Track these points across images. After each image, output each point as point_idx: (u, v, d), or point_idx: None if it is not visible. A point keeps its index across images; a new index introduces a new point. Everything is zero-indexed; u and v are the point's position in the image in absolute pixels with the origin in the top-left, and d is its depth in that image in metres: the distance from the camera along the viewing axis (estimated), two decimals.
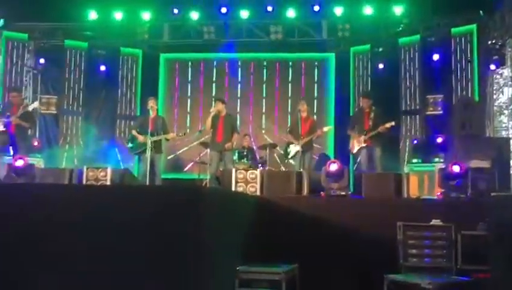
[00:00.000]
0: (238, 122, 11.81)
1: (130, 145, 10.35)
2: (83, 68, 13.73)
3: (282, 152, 11.34)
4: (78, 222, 4.18)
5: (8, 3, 12.23)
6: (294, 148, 10.28)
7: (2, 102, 12.23)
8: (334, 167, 7.65)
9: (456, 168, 7.48)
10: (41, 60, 13.74)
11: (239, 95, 14.21)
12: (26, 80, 13.61)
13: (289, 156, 10.53)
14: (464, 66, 11.87)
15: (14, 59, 13.25)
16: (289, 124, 11.64)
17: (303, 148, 9.96)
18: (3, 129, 9.61)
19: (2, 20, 12.77)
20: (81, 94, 13.70)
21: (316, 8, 12.94)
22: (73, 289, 4.08)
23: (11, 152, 9.93)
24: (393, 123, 9.69)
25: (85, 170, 8.57)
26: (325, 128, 10.58)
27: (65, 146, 13.24)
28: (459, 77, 11.91)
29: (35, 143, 11.94)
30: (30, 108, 9.82)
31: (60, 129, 13.47)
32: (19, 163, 8.20)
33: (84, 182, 8.40)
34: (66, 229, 4.17)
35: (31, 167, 8.64)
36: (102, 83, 13.97)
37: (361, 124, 9.96)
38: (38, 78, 13.90)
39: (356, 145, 9.91)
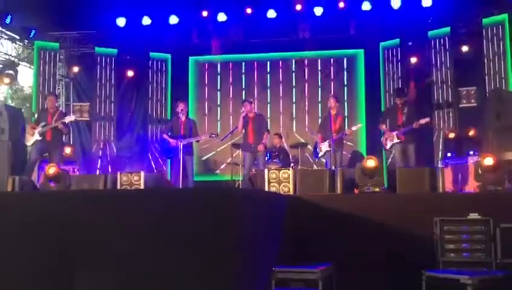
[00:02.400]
0: (268, 121, 11.81)
1: (162, 149, 10.44)
2: (113, 74, 13.92)
3: (313, 150, 11.31)
4: (114, 227, 4.23)
5: (38, 14, 12.48)
6: (324, 147, 10.23)
7: (37, 110, 12.45)
8: (371, 163, 7.57)
9: (491, 161, 7.36)
10: (74, 68, 13.97)
11: (269, 95, 14.21)
12: (58, 89, 13.86)
13: (319, 155, 10.49)
14: (496, 57, 11.68)
15: (47, 68, 13.49)
16: (319, 122, 11.59)
17: (334, 146, 9.92)
18: (40, 138, 9.78)
19: (33, 31, 13.01)
20: (112, 100, 13.89)
21: (342, 4, 12.83)
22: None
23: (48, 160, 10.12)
24: (428, 119, 9.61)
25: (119, 175, 8.66)
26: (354, 127, 10.51)
27: (98, 152, 13.43)
28: (491, 68, 11.72)
29: (69, 150, 12.14)
30: (67, 120, 9.96)
31: (93, 136, 13.66)
32: (52, 170, 8.32)
33: (118, 187, 8.49)
34: (104, 234, 4.23)
35: (65, 174, 8.77)
36: (132, 88, 14.14)
37: (394, 120, 9.87)
38: (71, 86, 14.16)
39: (389, 141, 9.82)
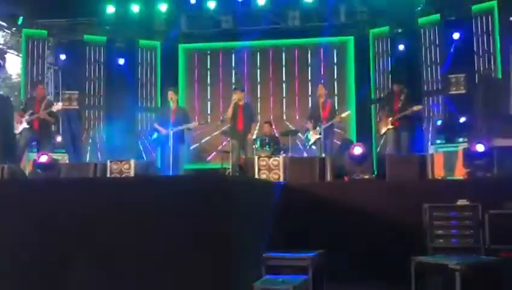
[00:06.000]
0: (256, 110, 11.81)
1: (152, 137, 10.41)
2: (102, 62, 13.84)
3: (303, 138, 11.30)
4: (104, 214, 4.23)
5: (26, 1, 12.35)
6: (314, 135, 10.23)
7: (25, 99, 12.36)
8: (358, 150, 7.60)
9: (480, 148, 7.40)
10: (62, 56, 13.86)
11: (259, 83, 14.19)
12: (47, 77, 13.75)
13: (310, 143, 10.48)
14: (485, 44, 11.70)
15: (35, 56, 13.38)
16: (309, 110, 11.55)
17: (324, 133, 9.92)
18: (28, 126, 9.72)
19: (21, 18, 12.88)
20: (101, 88, 13.82)
21: None
22: (104, 280, 4.14)
23: (36, 148, 10.07)
24: (420, 107, 9.74)
25: (108, 163, 8.63)
26: (343, 114, 10.50)
27: (88, 140, 13.37)
28: (481, 55, 11.75)
29: (59, 139, 12.07)
30: (54, 109, 9.88)
31: (83, 124, 13.59)
32: (43, 159, 8.28)
33: (108, 175, 8.47)
34: (95, 221, 4.23)
35: (56, 163, 8.73)
36: (122, 76, 14.04)
37: (391, 106, 9.94)
38: (59, 74, 14.05)
39: (384, 126, 9.88)
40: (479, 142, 7.48)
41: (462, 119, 10.52)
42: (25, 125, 9.70)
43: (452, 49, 12.25)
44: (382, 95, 12.93)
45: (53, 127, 10.76)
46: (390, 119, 9.79)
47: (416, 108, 9.60)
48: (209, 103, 14.26)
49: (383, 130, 9.96)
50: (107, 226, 4.21)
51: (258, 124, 12.14)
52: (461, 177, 7.75)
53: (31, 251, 4.28)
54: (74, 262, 4.18)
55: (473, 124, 10.23)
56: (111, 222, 4.22)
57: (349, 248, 6.34)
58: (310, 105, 12.42)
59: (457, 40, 12.19)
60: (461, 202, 6.15)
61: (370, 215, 6.54)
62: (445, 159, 9.15)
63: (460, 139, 10.31)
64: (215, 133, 12.50)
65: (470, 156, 7.54)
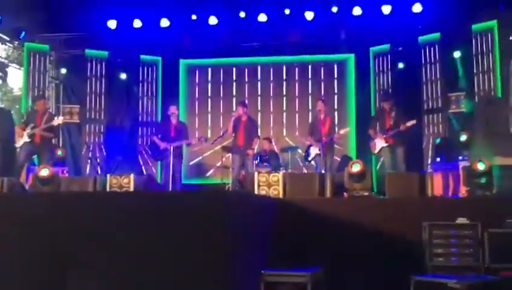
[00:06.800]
0: (258, 126, 11.83)
1: (152, 152, 10.42)
2: (103, 77, 13.88)
3: (303, 155, 11.31)
4: (104, 229, 4.23)
5: (29, 16, 12.41)
6: (314, 151, 10.25)
7: (26, 112, 12.38)
8: (356, 168, 7.59)
9: (480, 166, 7.39)
10: (63, 70, 13.92)
11: (259, 99, 14.22)
12: (48, 91, 13.79)
13: (309, 158, 10.49)
14: (485, 63, 11.75)
15: (37, 70, 13.43)
16: (309, 126, 11.54)
17: (323, 149, 9.92)
18: (28, 139, 9.72)
19: (23, 32, 12.95)
20: (102, 103, 13.85)
21: (334, 9, 12.84)
22: None
23: (36, 162, 10.07)
24: (414, 122, 9.68)
25: (108, 177, 8.63)
26: (342, 131, 10.53)
27: (88, 154, 13.37)
28: (480, 74, 11.78)
29: (59, 152, 12.08)
30: (55, 123, 9.88)
31: (83, 138, 13.61)
32: (44, 172, 8.27)
33: (108, 189, 8.46)
34: (94, 236, 4.22)
35: (56, 176, 8.73)
36: (123, 90, 14.09)
37: (382, 124, 9.93)
38: (60, 88, 14.09)
39: (378, 145, 9.87)
40: (480, 161, 7.48)
41: (463, 138, 10.52)
42: (26, 138, 9.70)
43: (452, 68, 12.29)
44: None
45: (53, 141, 10.77)
46: (383, 136, 9.79)
47: (409, 123, 9.59)
48: (209, 119, 14.28)
49: (377, 149, 9.96)
50: (106, 241, 4.20)
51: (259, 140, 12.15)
52: (461, 196, 7.75)
53: (31, 264, 4.27)
54: (73, 277, 4.17)
55: (473, 143, 10.23)
56: (109, 237, 4.21)
57: (347, 265, 6.32)
58: (310, 121, 12.45)
59: (457, 59, 12.23)
60: (461, 220, 6.15)
61: (369, 233, 6.52)
62: (445, 178, 9.17)
63: (460, 158, 10.30)
64: (215, 149, 12.49)
65: (470, 175, 7.54)
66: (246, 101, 11.59)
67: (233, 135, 10.09)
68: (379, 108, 11.89)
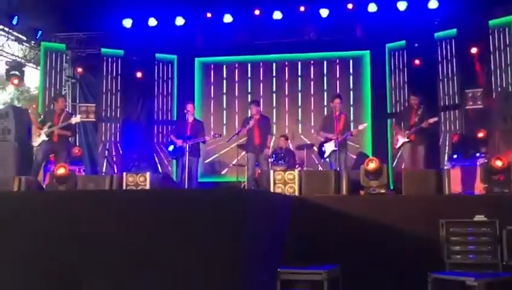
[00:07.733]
0: (272, 124, 11.82)
1: (168, 149, 10.46)
2: (119, 75, 13.96)
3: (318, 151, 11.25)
4: (120, 227, 4.24)
5: (45, 15, 12.52)
6: (329, 148, 10.19)
7: (43, 111, 12.48)
8: (372, 165, 7.54)
9: (498, 163, 7.31)
10: (79, 69, 14.02)
11: (274, 96, 14.21)
12: (65, 89, 13.90)
13: (324, 156, 10.44)
14: (502, 59, 11.63)
15: (53, 69, 13.53)
16: (322, 122, 11.37)
17: (338, 146, 9.87)
18: (46, 138, 9.79)
19: (40, 32, 13.06)
20: (118, 101, 13.93)
21: (350, 6, 12.80)
22: None
23: (53, 160, 10.13)
24: (436, 119, 9.67)
25: (125, 175, 8.66)
26: (360, 127, 10.43)
27: (104, 153, 13.45)
28: (498, 69, 11.68)
29: (76, 151, 12.16)
30: (72, 122, 9.94)
31: (99, 136, 13.69)
32: (61, 171, 8.32)
33: (124, 187, 8.49)
34: (111, 233, 4.24)
35: (73, 175, 8.78)
36: (139, 89, 14.16)
37: (407, 120, 9.89)
38: (77, 87, 14.21)
39: (400, 140, 9.83)
40: (497, 158, 7.40)
41: (480, 134, 10.43)
42: (43, 137, 9.77)
43: (469, 64, 12.19)
44: (398, 109, 12.89)
45: (71, 140, 10.84)
46: (406, 132, 9.75)
47: (431, 120, 9.53)
48: (224, 116, 14.30)
49: (399, 144, 9.91)
50: (122, 238, 4.22)
51: (274, 137, 12.12)
52: (478, 193, 7.68)
53: (46, 262, 4.30)
54: (88, 273, 4.19)
55: (490, 139, 10.15)
56: (125, 234, 4.23)
57: (364, 262, 6.29)
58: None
59: (474, 55, 12.13)
60: (478, 217, 6.09)
61: (386, 230, 6.48)
62: (462, 175, 9.09)
63: (478, 154, 10.22)
64: (230, 147, 12.50)
65: (488, 172, 7.47)
66: (259, 100, 11.58)
67: (248, 133, 10.09)
68: (406, 104, 11.81)
